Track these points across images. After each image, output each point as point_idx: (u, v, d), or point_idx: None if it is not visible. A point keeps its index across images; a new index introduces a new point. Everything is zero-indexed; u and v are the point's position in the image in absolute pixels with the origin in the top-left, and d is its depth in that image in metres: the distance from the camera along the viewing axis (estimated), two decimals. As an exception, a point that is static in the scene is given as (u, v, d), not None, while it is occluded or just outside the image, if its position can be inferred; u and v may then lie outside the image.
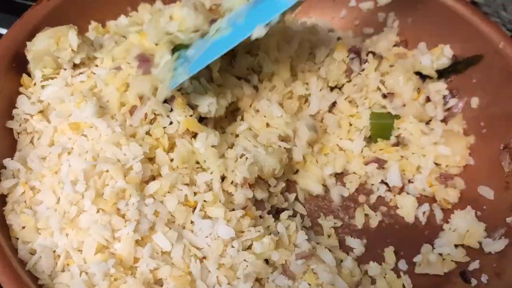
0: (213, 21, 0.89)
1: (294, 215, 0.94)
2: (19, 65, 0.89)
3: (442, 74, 1.07)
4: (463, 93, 1.06)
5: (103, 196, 0.76)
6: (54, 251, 0.74)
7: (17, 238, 0.75)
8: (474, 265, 0.89)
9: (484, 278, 0.86)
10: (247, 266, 0.78)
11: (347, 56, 1.04)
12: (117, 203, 0.75)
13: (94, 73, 0.90)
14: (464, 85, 1.05)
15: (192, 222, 0.80)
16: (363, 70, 1.06)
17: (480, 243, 0.90)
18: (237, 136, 0.95)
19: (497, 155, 0.96)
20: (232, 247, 0.78)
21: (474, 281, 0.87)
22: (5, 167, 0.81)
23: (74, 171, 0.77)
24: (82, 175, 0.75)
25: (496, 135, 0.97)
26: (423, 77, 1.07)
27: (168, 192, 0.80)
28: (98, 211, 0.74)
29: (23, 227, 0.76)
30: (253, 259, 0.79)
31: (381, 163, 1.00)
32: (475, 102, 1.03)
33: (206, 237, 0.79)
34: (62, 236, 0.74)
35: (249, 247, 0.82)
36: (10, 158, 0.82)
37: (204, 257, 0.78)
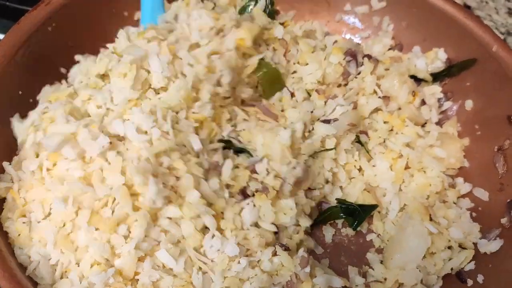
0: None
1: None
2: (17, 69, 0.90)
3: (436, 77, 1.08)
4: (457, 96, 1.07)
5: (99, 214, 0.74)
6: (50, 259, 0.74)
7: (15, 244, 0.75)
8: (470, 265, 0.89)
9: (480, 278, 0.87)
10: (251, 283, 0.78)
11: (344, 59, 1.05)
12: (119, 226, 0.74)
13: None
14: (459, 88, 1.06)
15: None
16: (359, 73, 1.07)
17: (475, 244, 0.91)
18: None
19: (491, 157, 0.97)
20: (239, 263, 0.78)
21: (470, 282, 0.88)
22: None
23: (62, 190, 0.75)
24: (72, 196, 0.74)
25: (490, 137, 0.99)
26: (418, 80, 1.08)
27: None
28: (96, 229, 0.74)
29: (19, 234, 0.75)
30: (259, 273, 0.79)
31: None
32: (469, 104, 1.04)
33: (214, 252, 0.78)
34: (56, 251, 0.73)
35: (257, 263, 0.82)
36: (9, 163, 0.82)
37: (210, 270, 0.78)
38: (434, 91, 1.08)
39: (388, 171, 0.99)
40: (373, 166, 1.00)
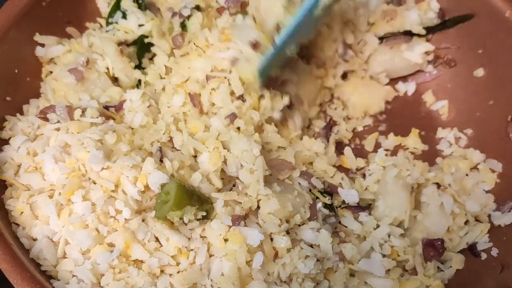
0: None
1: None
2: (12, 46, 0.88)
3: (430, 30, 1.05)
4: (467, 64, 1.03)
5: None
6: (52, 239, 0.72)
7: (18, 224, 0.74)
8: (484, 238, 0.87)
9: (494, 251, 0.85)
10: None
11: None
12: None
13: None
14: (470, 56, 1.02)
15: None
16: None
17: (489, 216, 0.89)
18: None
19: (504, 127, 0.93)
20: None
21: (484, 255, 0.85)
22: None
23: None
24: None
25: (503, 106, 0.95)
26: (411, 35, 1.05)
27: None
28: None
29: (22, 213, 0.74)
30: None
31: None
32: (480, 72, 1.00)
33: None
34: (60, 223, 0.71)
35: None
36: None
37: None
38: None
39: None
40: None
